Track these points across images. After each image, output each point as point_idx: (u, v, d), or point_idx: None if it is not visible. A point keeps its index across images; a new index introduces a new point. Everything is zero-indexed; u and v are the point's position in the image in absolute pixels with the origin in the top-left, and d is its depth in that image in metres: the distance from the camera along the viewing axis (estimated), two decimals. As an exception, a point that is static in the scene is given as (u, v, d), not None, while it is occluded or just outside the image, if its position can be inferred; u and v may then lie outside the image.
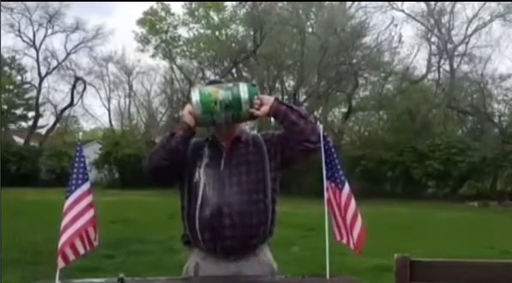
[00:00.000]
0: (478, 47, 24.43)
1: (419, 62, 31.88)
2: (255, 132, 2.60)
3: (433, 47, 25.39)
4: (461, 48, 24.75)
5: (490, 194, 20.02)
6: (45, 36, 29.24)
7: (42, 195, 15.43)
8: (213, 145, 2.33)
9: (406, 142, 21.12)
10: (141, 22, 28.78)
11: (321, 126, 2.21)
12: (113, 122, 31.02)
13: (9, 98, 32.15)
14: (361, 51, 24.12)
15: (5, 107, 31.07)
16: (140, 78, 30.99)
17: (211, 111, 2.14)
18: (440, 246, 7.72)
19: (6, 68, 31.14)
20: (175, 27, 28.53)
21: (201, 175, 2.25)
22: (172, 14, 28.48)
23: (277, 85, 25.20)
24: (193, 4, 27.47)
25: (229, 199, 2.19)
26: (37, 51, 29.24)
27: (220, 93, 2.14)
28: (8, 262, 5.90)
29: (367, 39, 24.48)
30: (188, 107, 2.22)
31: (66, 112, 30.56)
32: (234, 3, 26.22)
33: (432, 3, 24.54)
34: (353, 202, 2.16)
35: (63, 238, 2.03)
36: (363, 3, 24.73)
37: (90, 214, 2.11)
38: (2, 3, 26.14)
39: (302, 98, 25.23)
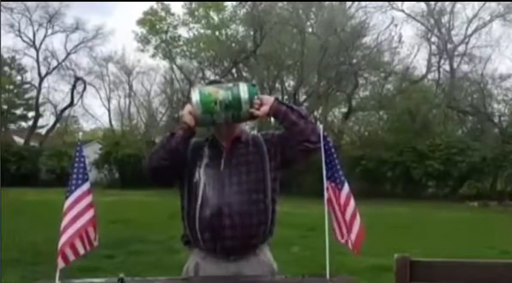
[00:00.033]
0: (478, 47, 24.47)
1: (419, 62, 31.94)
2: (255, 132, 2.60)
3: (433, 47, 25.43)
4: (461, 48, 24.78)
5: (490, 194, 20.03)
6: (45, 36, 29.29)
7: (42, 195, 15.44)
8: (213, 145, 2.33)
9: (406, 142, 21.12)
10: (141, 22, 28.79)
11: (321, 126, 2.21)
12: (113, 122, 31.08)
13: (9, 98, 32.17)
14: (361, 51, 24.12)
15: (5, 107, 31.09)
16: (140, 78, 31.05)
17: (211, 111, 2.14)
18: (440, 246, 7.72)
19: (6, 68, 31.16)
20: (175, 27, 28.55)
21: (201, 175, 2.25)
22: (172, 14, 28.51)
23: (277, 85, 25.20)
24: (193, 4, 27.47)
25: (229, 199, 2.19)
26: (37, 51, 29.28)
27: (220, 93, 2.14)
28: (8, 262, 5.90)
29: (367, 39, 24.53)
30: (188, 107, 2.22)
31: (66, 112, 30.60)
32: (234, 3, 26.26)
33: (432, 3, 24.54)
34: (352, 202, 2.17)
35: (63, 239, 2.03)
36: (363, 3, 24.77)
37: (90, 214, 2.11)
38: (2, 3, 26.17)
39: (302, 98, 25.23)
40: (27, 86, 32.84)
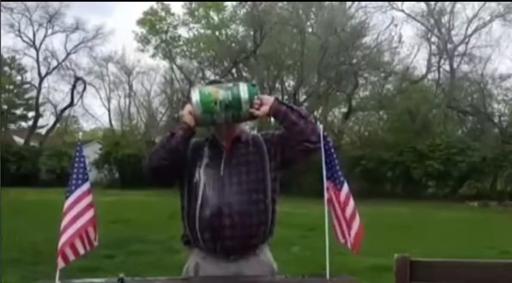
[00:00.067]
0: (478, 47, 24.48)
1: (419, 62, 32.00)
2: (255, 132, 2.60)
3: (433, 47, 25.43)
4: (461, 48, 24.78)
5: (490, 194, 20.03)
6: (45, 36, 29.29)
7: (42, 195, 15.44)
8: (213, 145, 2.33)
9: (406, 142, 21.12)
10: (141, 22, 28.79)
11: (321, 126, 2.21)
12: (113, 122, 31.08)
13: (9, 98, 32.18)
14: (361, 51, 24.12)
15: (5, 107, 31.10)
16: (140, 78, 31.05)
17: (211, 111, 2.14)
18: (440, 246, 7.72)
19: (6, 68, 31.16)
20: (175, 27, 28.55)
21: (201, 175, 2.25)
22: (172, 14, 28.51)
23: (277, 85, 25.20)
24: (193, 4, 27.47)
25: (229, 199, 2.19)
26: (37, 51, 29.28)
27: (220, 93, 2.14)
28: (8, 262, 5.90)
29: (367, 39, 24.53)
30: (188, 107, 2.21)
31: (66, 112, 30.61)
32: (234, 3, 26.26)
33: (432, 3, 24.54)
34: (351, 202, 2.17)
35: (63, 238, 2.03)
36: (363, 3, 24.77)
37: (90, 214, 2.11)
38: (2, 3, 26.17)
39: (302, 98, 25.23)
40: (27, 86, 32.86)
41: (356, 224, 2.14)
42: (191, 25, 28.01)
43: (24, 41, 29.29)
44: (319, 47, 22.37)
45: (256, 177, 2.25)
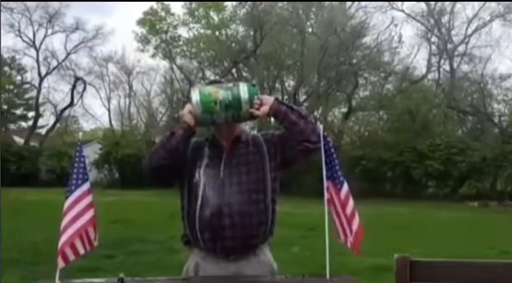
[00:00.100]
0: (478, 47, 24.49)
1: (419, 62, 32.02)
2: (255, 132, 2.60)
3: (433, 47, 25.45)
4: (461, 48, 24.80)
5: (490, 194, 20.04)
6: (45, 36, 29.30)
7: (42, 195, 15.44)
8: (213, 145, 2.33)
9: (406, 142, 21.13)
10: (141, 22, 28.79)
11: (321, 126, 2.21)
12: (113, 122, 31.10)
13: (9, 98, 32.18)
14: (361, 51, 24.13)
15: (5, 107, 31.10)
16: (140, 78, 31.07)
17: (211, 110, 2.14)
18: (440, 246, 7.72)
19: (6, 68, 31.16)
20: (175, 27, 28.55)
21: (201, 175, 2.25)
22: (172, 14, 28.52)
23: (277, 85, 25.21)
24: (193, 4, 27.47)
25: (229, 199, 2.19)
26: (37, 51, 29.29)
27: (220, 93, 2.14)
28: (8, 262, 5.90)
29: (367, 39, 24.54)
30: (188, 107, 2.21)
31: (66, 112, 30.62)
32: (234, 3, 26.26)
33: (432, 3, 24.55)
34: (351, 202, 2.17)
35: (63, 238, 2.03)
36: (363, 3, 24.78)
37: (90, 214, 2.11)
38: (2, 3, 26.17)
39: (302, 98, 25.24)
40: (27, 86, 32.86)
41: (356, 223, 2.14)
42: (191, 25, 28.06)
43: (24, 41, 29.36)
44: (319, 47, 22.37)
45: (256, 177, 2.25)
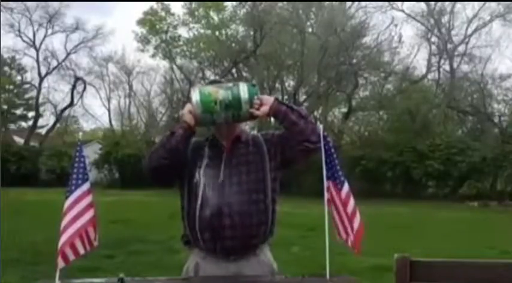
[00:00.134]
0: (478, 47, 24.49)
1: (419, 62, 32.00)
2: (255, 132, 2.60)
3: (433, 47, 25.44)
4: (461, 48, 24.79)
5: (490, 194, 20.04)
6: (45, 36, 29.30)
7: (42, 195, 15.44)
8: (213, 145, 2.33)
9: (406, 142, 21.13)
10: (141, 22, 28.79)
11: (321, 126, 2.21)
12: (113, 122, 31.09)
13: (9, 98, 32.18)
14: (361, 51, 24.13)
15: (5, 107, 31.10)
16: (140, 78, 31.06)
17: (211, 110, 2.14)
18: (440, 246, 7.72)
19: (6, 68, 31.16)
20: (175, 27, 28.55)
21: (201, 175, 2.25)
22: (172, 14, 28.52)
23: (277, 85, 25.21)
24: (193, 4, 27.47)
25: (230, 199, 2.19)
26: (37, 51, 29.29)
27: (220, 93, 2.15)
28: (8, 262, 5.90)
29: (367, 39, 24.55)
30: (188, 106, 2.22)
31: (66, 112, 30.62)
32: (234, 3, 26.27)
33: (432, 3, 24.55)
34: (352, 201, 2.17)
35: (63, 238, 2.03)
36: (363, 3, 24.78)
37: (90, 214, 2.11)
38: (2, 3, 26.17)
39: (302, 98, 25.24)
40: (27, 86, 32.86)
41: (357, 222, 2.14)
42: (191, 25, 28.06)
43: (24, 41, 29.36)
44: (319, 47, 22.37)
45: (256, 177, 2.25)
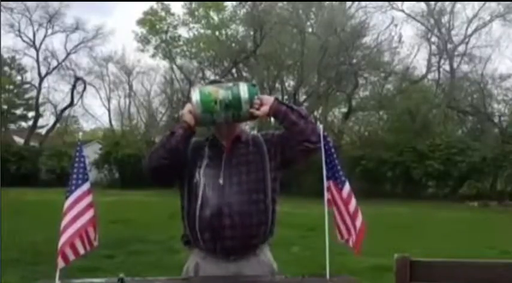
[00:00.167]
0: (478, 47, 24.49)
1: (419, 62, 31.99)
2: (255, 132, 2.60)
3: (433, 47, 25.44)
4: (461, 48, 24.79)
5: (490, 194, 20.04)
6: (45, 36, 29.29)
7: (42, 195, 15.44)
8: (213, 145, 2.33)
9: (406, 143, 21.12)
10: (141, 22, 28.79)
11: (321, 126, 2.21)
12: (113, 122, 31.08)
13: (9, 98, 32.18)
14: (361, 51, 24.13)
15: (5, 107, 31.10)
16: (140, 78, 31.06)
17: (211, 110, 2.14)
18: (440, 246, 7.72)
19: (6, 68, 31.16)
20: (175, 27, 28.55)
21: (201, 175, 2.24)
22: (172, 14, 28.51)
23: (277, 85, 25.21)
24: (193, 4, 27.47)
25: (230, 199, 2.19)
26: (37, 51, 29.28)
27: (220, 93, 2.14)
28: (8, 262, 5.90)
29: (367, 39, 24.55)
30: (188, 106, 2.22)
31: (66, 112, 30.61)
32: (234, 3, 26.26)
33: (432, 3, 24.55)
34: (353, 201, 2.17)
35: (63, 238, 2.03)
36: (363, 3, 24.78)
37: (90, 214, 2.11)
38: (2, 3, 26.17)
39: (302, 98, 25.24)
40: (27, 86, 32.86)
41: (359, 221, 2.14)
42: (191, 25, 28.05)
43: (24, 41, 29.35)
44: (319, 47, 22.37)
45: (257, 177, 2.24)
